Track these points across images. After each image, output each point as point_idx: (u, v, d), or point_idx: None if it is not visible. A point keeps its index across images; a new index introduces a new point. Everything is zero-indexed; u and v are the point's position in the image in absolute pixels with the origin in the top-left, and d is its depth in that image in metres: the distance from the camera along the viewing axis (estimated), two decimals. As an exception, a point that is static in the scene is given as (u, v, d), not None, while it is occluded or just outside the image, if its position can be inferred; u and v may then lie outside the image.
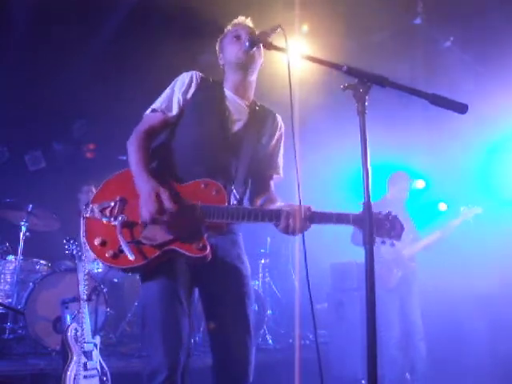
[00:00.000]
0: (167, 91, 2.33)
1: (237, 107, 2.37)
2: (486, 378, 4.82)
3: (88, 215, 2.09)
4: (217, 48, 2.51)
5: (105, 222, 2.07)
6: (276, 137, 2.48)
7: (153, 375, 2.00)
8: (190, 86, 2.32)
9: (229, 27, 2.46)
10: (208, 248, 2.02)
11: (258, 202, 2.35)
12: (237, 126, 2.33)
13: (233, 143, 2.28)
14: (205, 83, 2.36)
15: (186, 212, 2.04)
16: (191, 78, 2.34)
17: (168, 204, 2.00)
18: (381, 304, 4.82)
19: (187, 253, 2.00)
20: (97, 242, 2.04)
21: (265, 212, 2.10)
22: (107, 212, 2.08)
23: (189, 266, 2.12)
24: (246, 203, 2.38)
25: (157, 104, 2.31)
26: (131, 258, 1.96)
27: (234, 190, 2.25)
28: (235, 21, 2.46)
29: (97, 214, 2.08)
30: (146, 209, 2.00)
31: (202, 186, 2.13)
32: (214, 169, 2.20)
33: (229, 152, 2.26)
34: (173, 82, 2.36)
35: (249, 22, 2.45)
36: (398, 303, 4.73)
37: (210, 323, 2.22)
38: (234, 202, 2.23)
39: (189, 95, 2.31)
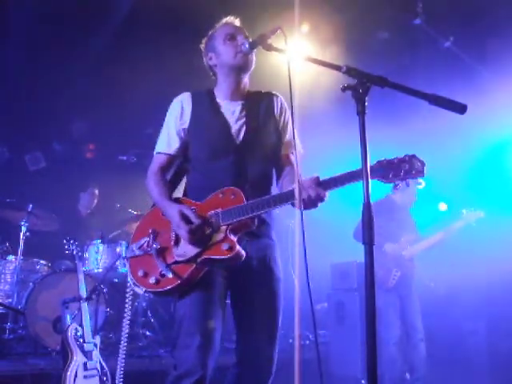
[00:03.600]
0: (164, 128, 2.41)
1: (233, 112, 2.37)
2: (486, 379, 4.81)
3: (129, 255, 2.28)
4: (203, 48, 2.49)
5: (144, 255, 2.23)
6: (281, 117, 2.45)
7: (185, 375, 2.05)
8: (182, 114, 2.38)
9: (217, 26, 2.45)
10: (237, 247, 2.08)
11: (280, 182, 2.40)
12: (241, 130, 2.33)
13: (241, 147, 2.31)
14: (196, 100, 2.39)
15: (208, 222, 2.15)
16: (181, 103, 2.40)
17: (194, 219, 2.11)
18: (380, 304, 4.84)
19: (217, 256, 2.09)
20: (140, 274, 2.19)
21: (278, 197, 2.13)
22: (145, 246, 2.24)
23: (225, 277, 2.22)
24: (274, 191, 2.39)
25: (160, 145, 2.41)
26: (169, 275, 2.11)
27: (250, 188, 2.24)
28: (224, 20, 2.45)
29: (137, 252, 2.25)
30: (182, 230, 2.11)
31: (220, 195, 2.21)
32: (231, 177, 2.26)
33: (242, 156, 2.30)
34: (167, 115, 2.43)
35: (238, 22, 2.44)
36: (397, 303, 4.73)
37: (239, 323, 2.29)
38: (254, 197, 2.19)
39: (187, 121, 2.37)
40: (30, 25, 5.43)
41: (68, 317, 3.92)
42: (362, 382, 4.84)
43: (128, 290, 2.80)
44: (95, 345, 3.62)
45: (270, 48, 2.14)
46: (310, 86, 6.17)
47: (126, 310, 2.90)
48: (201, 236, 2.12)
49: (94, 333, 3.89)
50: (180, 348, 2.12)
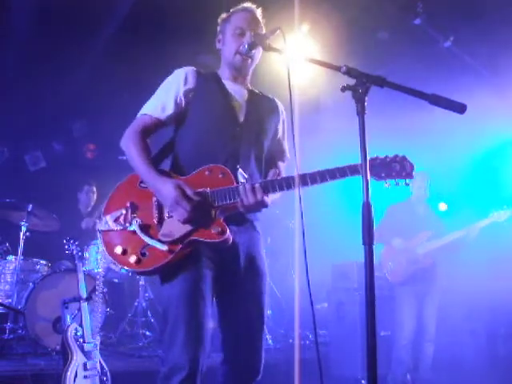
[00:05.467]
0: (160, 91, 2.30)
1: (238, 93, 2.35)
2: (486, 379, 4.81)
3: (103, 228, 2.11)
4: (218, 28, 2.44)
5: (120, 229, 2.09)
6: (280, 122, 2.48)
7: (173, 372, 1.98)
8: (186, 82, 2.29)
9: (235, 10, 2.39)
10: (227, 231, 2.02)
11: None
12: (242, 112, 2.31)
13: (240, 130, 2.26)
14: (201, 77, 2.33)
15: (201, 200, 2.04)
16: (186, 74, 2.30)
17: (194, 196, 2.01)
18: (393, 300, 4.80)
19: (207, 239, 2.01)
20: (118, 251, 2.05)
21: (270, 183, 2.10)
22: (121, 220, 2.10)
23: (213, 264, 2.11)
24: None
25: (149, 106, 2.28)
26: (164, 248, 1.98)
27: (241, 169, 2.20)
28: (244, 6, 2.39)
29: (111, 225, 2.10)
30: (181, 209, 2.00)
31: (207, 172, 2.12)
32: (222, 157, 2.18)
33: (237, 139, 2.24)
34: (166, 81, 2.33)
35: (257, 12, 2.38)
36: (414, 302, 4.69)
37: (223, 319, 2.23)
38: (243, 180, 2.17)
39: (188, 93, 2.28)
40: (30, 25, 5.43)
41: (68, 317, 3.92)
42: (362, 382, 4.84)
43: (101, 272, 2.70)
44: (95, 345, 3.61)
45: (269, 49, 2.14)
46: (310, 85, 6.18)
47: (97, 288, 2.84)
48: (193, 215, 2.01)
49: (94, 333, 3.88)
50: (167, 344, 2.04)
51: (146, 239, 2.02)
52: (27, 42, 5.62)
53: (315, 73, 5.88)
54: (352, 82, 1.73)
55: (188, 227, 2.02)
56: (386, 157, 2.09)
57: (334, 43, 5.48)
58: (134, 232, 2.06)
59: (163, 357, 2.05)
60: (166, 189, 2.03)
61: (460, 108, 1.70)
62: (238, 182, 2.11)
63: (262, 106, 2.40)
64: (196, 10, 4.92)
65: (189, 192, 2.02)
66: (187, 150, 2.25)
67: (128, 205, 2.11)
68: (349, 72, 1.77)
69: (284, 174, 2.37)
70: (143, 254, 2.02)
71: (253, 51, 2.28)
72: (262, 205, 2.07)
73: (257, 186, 2.04)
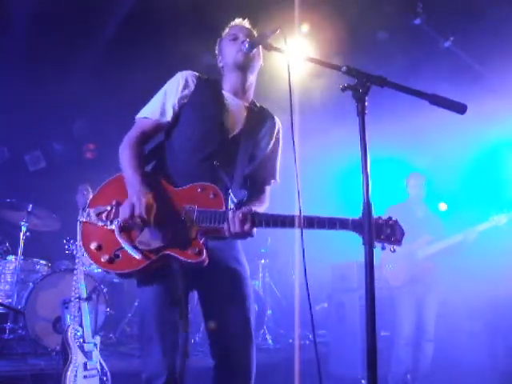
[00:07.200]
0: (160, 95, 2.28)
1: (235, 107, 2.33)
2: (486, 379, 4.81)
3: (84, 219, 2.08)
4: (216, 51, 2.49)
5: (101, 225, 2.06)
6: (274, 140, 2.45)
7: (152, 379, 1.99)
8: (185, 87, 2.27)
9: (226, 29, 2.45)
10: (204, 253, 1.98)
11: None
12: (235, 127, 2.29)
13: (231, 146, 2.24)
14: (201, 83, 2.32)
15: (179, 217, 2.02)
16: (186, 79, 2.28)
17: (148, 215, 1.96)
18: (393, 300, 4.81)
19: (182, 258, 1.97)
20: (93, 246, 2.02)
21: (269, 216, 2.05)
22: (103, 216, 2.07)
23: (185, 270, 2.07)
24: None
25: (149, 109, 2.26)
26: (138, 256, 1.95)
27: (232, 194, 2.20)
28: (232, 23, 2.45)
29: (93, 219, 2.07)
30: (122, 211, 1.99)
31: (199, 190, 2.09)
32: (210, 172, 2.16)
33: (227, 154, 2.22)
34: (167, 84, 2.31)
35: (246, 24, 2.43)
36: (413, 304, 4.70)
37: (209, 325, 2.19)
38: (231, 205, 2.18)
39: (185, 98, 2.26)
40: (30, 25, 5.43)
41: (68, 317, 3.92)
42: (362, 381, 4.84)
43: (77, 261, 2.69)
44: (95, 345, 3.61)
45: (269, 48, 2.14)
46: (310, 85, 6.18)
47: (75, 278, 2.79)
48: (169, 230, 1.99)
49: (94, 333, 3.88)
50: (144, 352, 2.05)
51: (122, 242, 1.99)
52: (27, 42, 5.62)
53: (315, 73, 5.88)
54: (352, 81, 1.73)
55: (165, 241, 1.98)
56: (379, 217, 2.05)
57: (333, 43, 5.48)
58: (113, 232, 2.02)
59: (141, 363, 2.06)
60: (131, 194, 2.01)
61: (460, 108, 1.71)
62: (227, 207, 2.09)
63: (258, 124, 2.37)
64: (196, 10, 4.92)
65: (144, 209, 1.95)
66: (177, 156, 2.23)
67: (114, 203, 2.08)
68: (349, 72, 1.76)
69: (267, 201, 2.37)
70: (116, 256, 1.99)
71: (254, 50, 2.27)
72: (247, 235, 2.01)
73: (248, 216, 1.98)
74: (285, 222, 2.00)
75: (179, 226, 2.01)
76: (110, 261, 1.99)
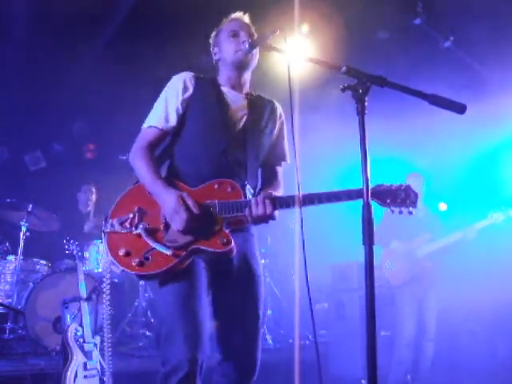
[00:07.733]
0: (162, 101, 2.30)
1: (236, 101, 2.36)
2: (486, 379, 4.81)
3: (109, 230, 2.13)
4: (211, 41, 2.48)
5: (126, 232, 2.11)
6: (278, 125, 2.48)
7: (172, 372, 1.98)
8: (185, 89, 2.29)
9: (224, 21, 2.45)
10: (232, 242, 2.06)
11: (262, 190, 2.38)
12: (240, 120, 2.32)
13: (239, 138, 2.28)
14: (199, 82, 2.33)
15: (205, 211, 2.08)
16: (184, 81, 2.31)
17: (194, 208, 2.05)
18: (393, 299, 4.80)
19: (211, 249, 2.04)
20: (121, 252, 2.07)
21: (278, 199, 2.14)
22: (127, 224, 2.12)
23: (208, 267, 2.14)
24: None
25: (154, 118, 2.29)
26: (169, 253, 2.01)
27: (248, 185, 2.26)
28: (232, 16, 2.45)
29: (117, 227, 2.12)
30: (179, 218, 2.04)
31: (216, 186, 2.17)
32: (224, 167, 2.21)
33: (236, 148, 2.26)
34: (165, 90, 2.33)
35: (246, 18, 2.43)
36: (414, 303, 4.69)
37: (219, 322, 2.22)
38: (249, 196, 2.23)
39: (187, 100, 2.29)
40: (30, 25, 5.43)
41: (68, 317, 3.93)
42: (362, 381, 4.84)
43: (105, 275, 2.76)
44: (95, 345, 3.62)
45: (269, 48, 2.15)
46: (310, 85, 6.17)
47: (104, 291, 2.84)
48: (196, 225, 2.05)
49: (94, 333, 3.89)
50: (165, 345, 2.04)
51: (151, 243, 2.05)
52: (27, 42, 5.62)
53: (315, 73, 5.88)
54: (352, 81, 1.73)
55: (192, 236, 2.05)
56: (392, 185, 2.14)
57: (333, 43, 5.48)
58: (140, 235, 2.08)
59: (162, 358, 2.06)
60: (168, 199, 2.08)
61: (460, 108, 1.71)
62: (245, 197, 2.16)
63: (260, 113, 2.40)
64: (197, 10, 4.92)
65: (190, 203, 2.05)
66: (188, 157, 2.28)
67: (136, 209, 2.14)
68: (349, 72, 1.77)
69: (282, 182, 2.43)
70: (146, 258, 2.04)
71: (253, 50, 2.29)
72: (270, 218, 2.10)
73: (269, 199, 2.07)
74: (305, 200, 2.09)
75: (204, 220, 2.07)
76: (141, 264, 2.04)
